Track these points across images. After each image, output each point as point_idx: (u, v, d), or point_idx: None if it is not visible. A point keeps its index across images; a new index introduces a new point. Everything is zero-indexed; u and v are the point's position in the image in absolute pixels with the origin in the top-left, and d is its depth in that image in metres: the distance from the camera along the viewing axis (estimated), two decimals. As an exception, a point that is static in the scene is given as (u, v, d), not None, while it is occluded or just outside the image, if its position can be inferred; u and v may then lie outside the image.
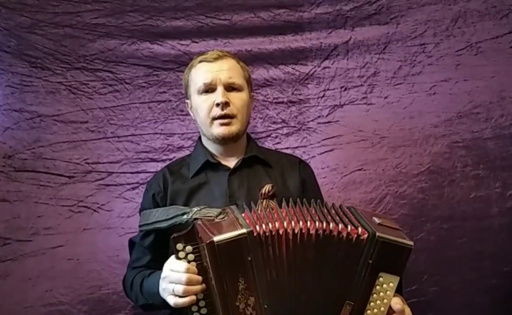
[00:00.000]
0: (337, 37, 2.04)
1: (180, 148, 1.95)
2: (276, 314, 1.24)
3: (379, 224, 1.29)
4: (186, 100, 1.73)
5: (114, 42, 1.94)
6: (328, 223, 1.26)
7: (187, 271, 1.22)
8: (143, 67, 1.96)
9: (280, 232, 1.24)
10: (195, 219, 1.33)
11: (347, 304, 1.26)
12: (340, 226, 1.26)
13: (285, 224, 1.25)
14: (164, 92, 1.97)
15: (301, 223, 1.25)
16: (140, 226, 1.56)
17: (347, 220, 1.30)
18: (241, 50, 1.97)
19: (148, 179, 1.76)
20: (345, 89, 2.03)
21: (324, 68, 2.03)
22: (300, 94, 2.03)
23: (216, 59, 1.60)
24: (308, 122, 2.02)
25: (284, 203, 1.38)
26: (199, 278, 1.23)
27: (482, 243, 1.96)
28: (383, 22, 2.04)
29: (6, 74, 1.88)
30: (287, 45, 2.02)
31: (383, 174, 1.98)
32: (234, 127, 1.57)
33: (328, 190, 1.93)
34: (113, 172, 1.91)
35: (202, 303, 1.25)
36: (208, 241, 1.17)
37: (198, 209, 1.38)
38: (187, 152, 1.86)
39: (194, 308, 1.25)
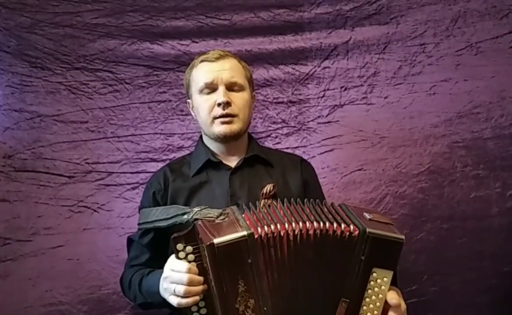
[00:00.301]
0: (337, 37, 2.04)
1: (180, 148, 1.95)
2: None
3: (370, 219, 1.29)
4: (188, 100, 1.72)
5: (114, 42, 1.94)
6: (324, 223, 1.26)
7: (189, 271, 1.22)
8: (143, 67, 1.96)
9: (282, 233, 1.24)
10: (196, 219, 1.32)
11: (342, 301, 1.26)
12: (335, 225, 1.26)
13: (286, 225, 1.25)
14: (164, 92, 1.97)
15: (300, 224, 1.25)
16: (139, 224, 1.55)
17: (339, 218, 1.30)
18: (241, 50, 1.97)
19: (148, 179, 1.76)
20: (345, 89, 2.03)
21: (324, 68, 2.03)
22: (300, 94, 2.03)
23: (217, 58, 1.60)
24: (308, 122, 2.02)
25: (279, 203, 1.38)
26: (201, 278, 1.23)
27: (482, 243, 1.96)
28: (383, 22, 2.04)
29: (6, 74, 1.88)
30: (287, 45, 2.02)
31: (383, 174, 1.98)
32: (235, 126, 1.57)
33: (328, 190, 1.93)
34: (113, 172, 1.91)
35: (201, 304, 1.25)
36: (208, 243, 1.17)
37: (199, 209, 1.37)
38: (187, 152, 1.86)
39: (194, 308, 1.25)
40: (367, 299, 1.25)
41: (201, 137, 1.72)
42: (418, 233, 1.95)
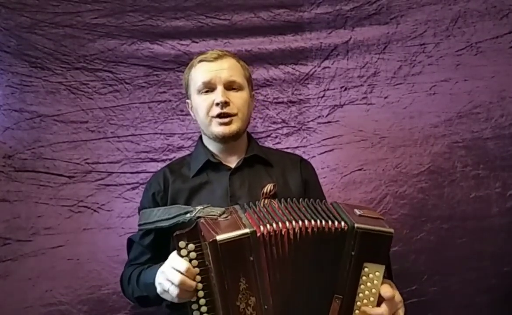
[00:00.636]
0: (337, 37, 2.04)
1: (180, 148, 1.95)
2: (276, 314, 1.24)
3: (360, 215, 1.31)
4: (187, 100, 1.72)
5: (114, 42, 1.94)
6: (320, 221, 1.27)
7: (187, 271, 1.22)
8: (143, 67, 1.96)
9: (283, 232, 1.25)
10: (198, 217, 1.33)
11: (335, 298, 1.27)
12: (326, 222, 1.27)
13: (287, 224, 1.25)
14: (164, 92, 1.97)
15: (300, 222, 1.26)
16: (139, 225, 1.55)
17: (331, 215, 1.31)
18: (241, 50, 1.97)
19: (148, 179, 1.76)
20: (345, 89, 2.03)
21: (324, 68, 2.04)
22: (300, 94, 2.03)
23: (216, 58, 1.60)
24: (308, 122, 2.02)
25: (278, 203, 1.38)
26: (193, 283, 1.23)
27: (482, 243, 1.96)
28: (383, 22, 2.04)
29: (6, 74, 1.87)
30: (287, 45, 2.03)
31: (383, 174, 1.98)
32: (234, 126, 1.57)
33: (328, 190, 1.93)
34: (113, 172, 1.90)
35: (202, 301, 1.25)
36: (210, 240, 1.17)
37: (202, 207, 1.37)
38: (187, 152, 1.86)
39: (194, 307, 1.26)
40: (361, 295, 1.27)
41: (200, 137, 1.72)
42: (418, 233, 1.95)
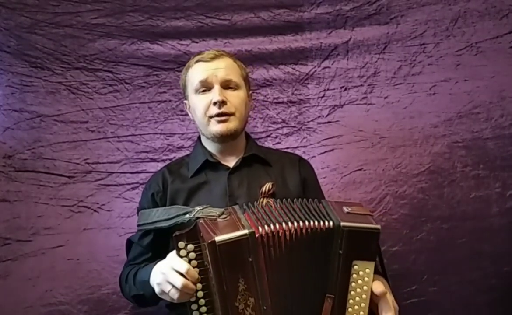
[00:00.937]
0: (337, 37, 2.04)
1: (180, 148, 1.95)
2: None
3: (348, 213, 1.31)
4: (184, 101, 1.73)
5: (114, 42, 1.95)
6: (313, 221, 1.28)
7: (187, 273, 1.22)
8: (143, 67, 1.97)
9: (280, 233, 1.25)
10: (198, 218, 1.33)
11: (327, 297, 1.27)
12: (317, 222, 1.28)
13: (283, 225, 1.26)
14: (164, 92, 1.98)
15: (295, 223, 1.27)
16: (139, 225, 1.56)
17: (321, 215, 1.31)
18: (241, 50, 1.98)
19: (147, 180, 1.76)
20: (345, 89, 2.03)
21: (324, 68, 2.04)
22: (300, 94, 2.03)
23: (213, 58, 1.60)
24: (308, 122, 2.02)
25: (274, 203, 1.39)
26: (193, 287, 1.23)
27: (482, 243, 1.96)
28: (383, 22, 2.04)
29: (6, 74, 1.88)
30: (287, 45, 2.03)
31: (383, 174, 1.98)
32: (232, 124, 1.57)
33: (328, 190, 1.93)
34: (113, 172, 1.91)
35: (201, 302, 1.25)
36: (209, 241, 1.17)
37: (201, 208, 1.37)
38: (187, 152, 1.85)
39: (194, 307, 1.25)
40: (352, 293, 1.27)
41: (199, 138, 1.72)
42: (418, 233, 1.95)
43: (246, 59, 1.86)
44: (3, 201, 1.82)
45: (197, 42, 1.99)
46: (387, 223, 1.92)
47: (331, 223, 1.27)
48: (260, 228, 1.24)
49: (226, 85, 1.58)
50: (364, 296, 1.26)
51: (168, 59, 1.97)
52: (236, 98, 1.59)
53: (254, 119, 1.99)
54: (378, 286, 1.26)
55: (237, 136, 1.62)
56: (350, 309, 1.27)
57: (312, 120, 2.02)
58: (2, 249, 1.79)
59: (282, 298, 1.26)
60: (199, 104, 1.58)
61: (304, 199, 1.39)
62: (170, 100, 1.98)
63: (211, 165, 1.62)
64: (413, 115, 2.02)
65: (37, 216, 1.83)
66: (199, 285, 1.24)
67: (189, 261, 1.23)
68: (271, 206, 1.37)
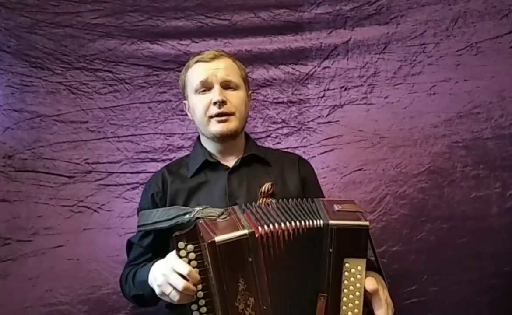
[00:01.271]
0: (337, 37, 2.04)
1: (180, 148, 1.95)
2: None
3: (338, 211, 1.32)
4: (184, 101, 1.72)
5: (114, 42, 1.95)
6: (305, 221, 1.28)
7: (189, 275, 1.21)
8: (143, 67, 1.97)
9: (279, 233, 1.25)
10: (197, 218, 1.33)
11: (320, 296, 1.27)
12: (307, 222, 1.28)
13: (282, 225, 1.26)
14: (164, 92, 1.98)
15: (293, 223, 1.27)
16: (139, 226, 1.56)
17: (313, 214, 1.31)
18: (241, 50, 1.98)
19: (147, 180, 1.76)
20: (345, 89, 2.03)
21: (324, 68, 2.04)
22: (300, 94, 2.03)
23: (212, 58, 1.60)
24: (308, 122, 2.02)
25: (271, 203, 1.39)
26: (194, 289, 1.22)
27: (482, 243, 1.96)
28: (383, 22, 2.04)
29: (6, 74, 1.88)
30: (287, 45, 2.03)
31: (383, 174, 1.98)
32: (232, 124, 1.57)
33: (328, 190, 1.93)
34: (113, 172, 1.91)
35: (201, 302, 1.25)
36: (209, 241, 1.18)
37: (201, 208, 1.38)
38: (187, 152, 1.85)
39: (194, 307, 1.25)
40: (345, 291, 1.27)
41: (198, 138, 1.72)
42: (418, 233, 1.95)
43: (246, 59, 1.87)
44: (3, 201, 1.83)
45: (197, 42, 1.99)
46: (387, 223, 1.93)
47: (320, 222, 1.27)
48: (259, 228, 1.24)
49: (226, 85, 1.59)
50: (357, 293, 1.26)
51: (168, 59, 1.97)
52: (236, 98, 1.59)
53: (254, 119, 1.99)
54: (370, 283, 1.26)
55: (237, 136, 1.62)
56: (344, 307, 1.27)
57: (312, 120, 2.02)
58: (2, 249, 1.79)
59: (281, 298, 1.26)
60: (199, 104, 1.58)
61: (299, 199, 1.40)
62: (170, 100, 1.98)
63: (211, 165, 1.62)
64: (413, 115, 2.02)
65: (37, 216, 1.84)
66: (199, 285, 1.24)
67: (189, 262, 1.23)
68: (269, 206, 1.37)
